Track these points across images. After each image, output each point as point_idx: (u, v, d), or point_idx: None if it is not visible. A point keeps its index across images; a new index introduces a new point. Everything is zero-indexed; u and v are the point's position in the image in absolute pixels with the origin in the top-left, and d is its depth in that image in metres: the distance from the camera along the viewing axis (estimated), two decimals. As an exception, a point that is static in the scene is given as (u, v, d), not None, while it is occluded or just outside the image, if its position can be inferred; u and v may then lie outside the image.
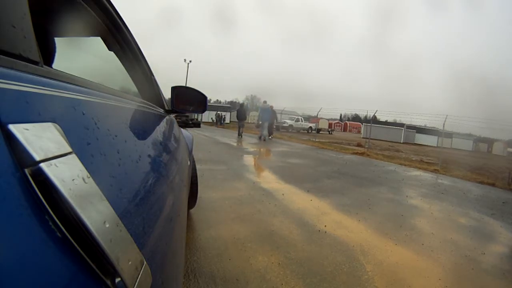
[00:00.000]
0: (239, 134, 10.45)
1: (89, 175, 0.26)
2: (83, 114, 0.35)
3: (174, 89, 1.17)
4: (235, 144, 8.44)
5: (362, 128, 28.33)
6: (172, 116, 1.28)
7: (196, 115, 17.12)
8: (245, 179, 3.70)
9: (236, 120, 11.11)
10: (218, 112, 22.50)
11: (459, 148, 21.28)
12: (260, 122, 10.03)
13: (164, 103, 1.10)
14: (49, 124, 0.25)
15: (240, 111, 10.94)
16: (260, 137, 9.97)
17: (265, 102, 10.76)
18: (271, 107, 10.60)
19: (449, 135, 20.68)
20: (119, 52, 0.82)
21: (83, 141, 0.32)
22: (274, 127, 10.95)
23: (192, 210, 2.26)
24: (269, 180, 3.82)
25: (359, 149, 10.26)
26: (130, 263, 0.27)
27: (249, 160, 5.48)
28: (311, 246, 1.92)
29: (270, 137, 10.31)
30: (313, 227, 2.25)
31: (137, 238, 0.31)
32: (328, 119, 31.72)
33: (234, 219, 2.26)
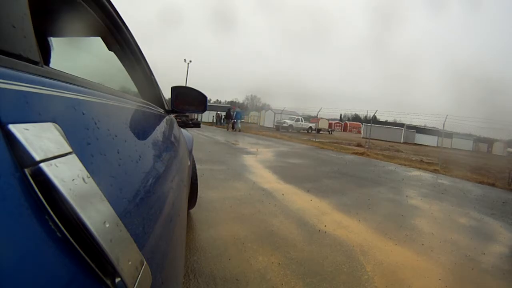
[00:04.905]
0: (227, 128, 16.23)
1: (89, 175, 0.25)
2: (83, 114, 0.35)
3: (174, 89, 1.17)
4: (234, 144, 8.44)
5: (362, 128, 28.36)
6: (172, 116, 1.28)
7: (196, 115, 17.43)
8: (245, 179, 3.70)
9: (227, 119, 17.43)
10: (218, 112, 22.54)
11: (459, 148, 21.30)
12: (236, 120, 15.56)
13: (164, 103, 1.10)
14: (49, 124, 0.25)
15: (228, 113, 17.24)
16: (228, 129, 16.01)
17: (239, 107, 18.32)
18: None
19: (449, 135, 20.68)
20: (119, 52, 0.82)
21: (83, 141, 0.32)
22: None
23: (192, 210, 2.26)
24: (269, 180, 3.82)
25: (359, 149, 10.26)
26: (130, 263, 0.27)
27: (248, 160, 5.48)
28: (311, 246, 1.92)
29: (238, 130, 15.14)
30: (313, 227, 2.25)
31: (137, 238, 0.31)
32: (328, 119, 31.73)
33: (234, 219, 2.26)
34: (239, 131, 14.95)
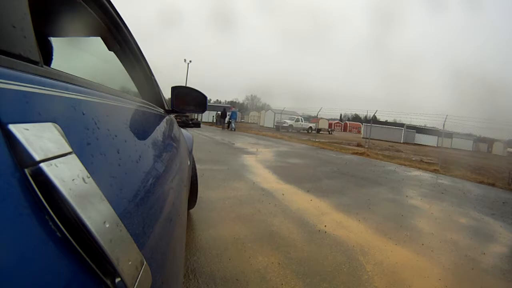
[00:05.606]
0: (223, 127, 17.10)
1: (89, 175, 0.25)
2: (83, 114, 0.35)
3: (174, 89, 1.17)
4: (234, 144, 8.44)
5: (362, 128, 28.37)
6: (172, 116, 1.28)
7: (196, 115, 17.65)
8: (245, 179, 3.70)
9: (221, 119, 18.51)
10: (218, 112, 22.59)
11: (459, 148, 21.33)
12: (230, 120, 16.26)
13: (164, 103, 1.10)
14: (49, 124, 0.25)
15: (223, 113, 18.23)
16: (224, 128, 16.67)
17: (234, 107, 20.37)
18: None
19: (449, 135, 20.72)
20: (119, 52, 0.82)
21: (83, 141, 0.32)
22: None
23: (192, 210, 2.26)
24: (269, 180, 3.82)
25: (359, 149, 10.26)
26: (130, 263, 0.27)
27: (248, 160, 5.48)
28: (311, 246, 1.92)
29: (233, 129, 15.84)
30: (313, 227, 2.25)
31: (137, 238, 0.31)
32: (328, 119, 31.78)
33: (234, 219, 2.26)
34: (233, 130, 15.75)
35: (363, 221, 2.52)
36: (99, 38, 0.80)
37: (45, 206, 0.21)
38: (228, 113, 17.19)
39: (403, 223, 2.60)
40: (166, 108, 1.12)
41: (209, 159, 4.98)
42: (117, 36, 0.76)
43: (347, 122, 46.87)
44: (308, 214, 2.56)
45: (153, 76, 0.97)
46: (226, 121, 17.12)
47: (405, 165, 7.26)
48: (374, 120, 13.62)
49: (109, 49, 0.82)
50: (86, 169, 0.26)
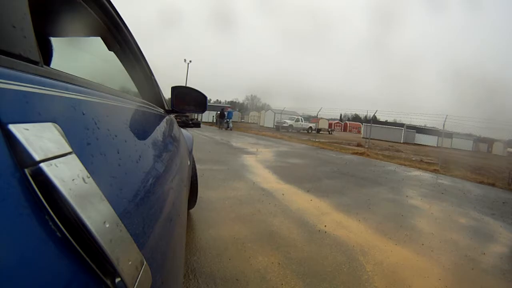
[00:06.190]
0: (220, 127, 17.33)
1: (89, 175, 0.25)
2: (83, 114, 0.35)
3: (174, 89, 1.17)
4: (234, 144, 8.44)
5: (362, 128, 28.39)
6: (172, 116, 1.28)
7: (196, 115, 17.71)
8: (245, 179, 3.70)
9: (220, 119, 18.60)
10: (218, 112, 22.64)
11: (459, 148, 21.34)
12: (228, 120, 16.84)
13: (164, 103, 1.10)
14: (49, 124, 0.25)
15: (221, 113, 18.39)
16: (224, 128, 16.86)
17: (230, 107, 20.88)
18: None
19: (449, 135, 20.73)
20: (119, 52, 0.82)
21: (83, 141, 0.32)
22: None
23: (192, 210, 2.26)
24: (269, 180, 3.82)
25: (359, 149, 10.26)
26: (130, 263, 0.27)
27: (248, 160, 5.48)
28: (311, 246, 1.92)
29: (231, 129, 16.36)
30: (313, 227, 2.25)
31: (137, 238, 0.31)
32: (328, 119, 31.78)
33: (234, 219, 2.26)
34: (231, 129, 16.43)
35: (363, 221, 2.52)
36: (99, 38, 0.80)
37: (45, 206, 0.21)
38: (225, 113, 17.74)
39: (403, 223, 2.60)
40: (166, 108, 1.12)
41: (209, 159, 4.98)
42: (117, 36, 0.76)
43: (347, 122, 46.85)
44: (308, 214, 2.56)
45: (153, 76, 0.97)
46: (224, 121, 17.61)
47: (405, 165, 7.26)
48: (374, 120, 13.62)
49: (109, 49, 0.82)
50: (86, 169, 0.26)
